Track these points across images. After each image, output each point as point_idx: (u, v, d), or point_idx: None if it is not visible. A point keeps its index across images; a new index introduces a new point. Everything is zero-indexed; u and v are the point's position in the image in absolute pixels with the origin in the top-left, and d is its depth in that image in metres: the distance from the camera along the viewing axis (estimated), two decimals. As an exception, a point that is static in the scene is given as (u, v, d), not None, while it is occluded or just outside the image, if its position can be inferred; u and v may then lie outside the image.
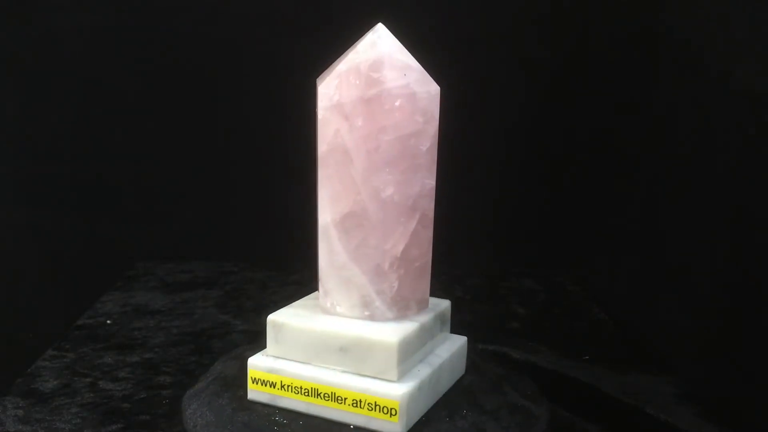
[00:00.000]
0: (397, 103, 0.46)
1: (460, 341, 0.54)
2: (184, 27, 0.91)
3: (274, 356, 0.49)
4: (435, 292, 0.59)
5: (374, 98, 0.46)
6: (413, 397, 0.45)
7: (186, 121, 0.94)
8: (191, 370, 0.60)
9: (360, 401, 0.45)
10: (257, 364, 0.49)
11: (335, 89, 0.47)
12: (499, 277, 0.92)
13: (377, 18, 0.49)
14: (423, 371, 0.47)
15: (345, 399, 0.46)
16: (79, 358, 0.62)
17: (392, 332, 0.46)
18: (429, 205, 0.50)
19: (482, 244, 0.97)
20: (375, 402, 0.45)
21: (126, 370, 0.60)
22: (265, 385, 0.49)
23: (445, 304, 0.54)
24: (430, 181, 0.49)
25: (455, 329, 0.59)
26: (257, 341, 0.63)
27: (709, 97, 0.64)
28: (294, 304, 0.52)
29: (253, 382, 0.49)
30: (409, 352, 0.47)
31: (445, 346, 0.52)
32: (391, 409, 0.44)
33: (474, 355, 0.57)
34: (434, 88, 0.48)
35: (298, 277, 0.88)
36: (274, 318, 0.49)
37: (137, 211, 0.95)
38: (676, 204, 0.69)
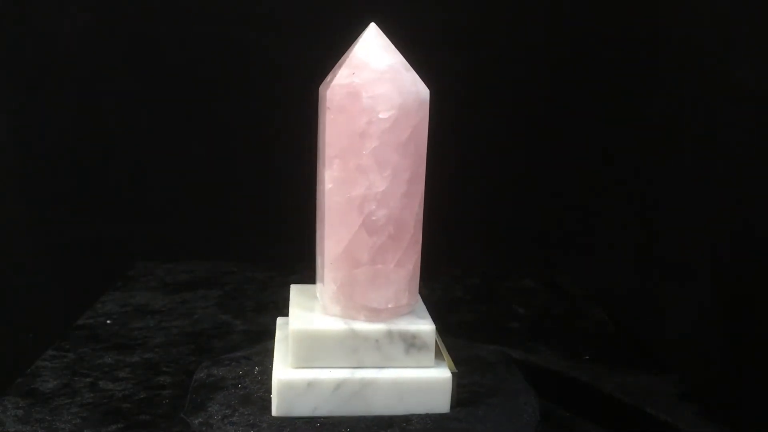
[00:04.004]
0: (334, 101, 0.48)
1: (434, 374, 0.50)
2: (185, 27, 0.91)
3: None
4: (435, 291, 0.59)
5: (323, 94, 0.49)
6: (295, 388, 0.48)
7: (186, 120, 0.94)
8: (191, 370, 0.60)
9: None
10: (278, 322, 0.58)
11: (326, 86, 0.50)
12: (499, 277, 0.92)
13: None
14: (330, 374, 0.48)
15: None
16: (79, 358, 0.62)
17: (300, 322, 0.49)
18: (378, 211, 0.48)
19: (482, 244, 0.97)
20: (271, 378, 0.50)
21: (126, 370, 0.60)
22: None
23: (418, 328, 0.50)
24: (380, 186, 0.48)
25: (455, 330, 0.59)
26: (261, 341, 0.63)
27: (709, 97, 0.64)
28: None
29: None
30: (316, 349, 0.49)
31: (402, 370, 0.50)
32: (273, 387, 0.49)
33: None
34: (383, 91, 0.47)
35: (298, 277, 0.88)
36: (292, 286, 0.57)
37: (137, 211, 0.95)
38: (677, 204, 0.70)
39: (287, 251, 0.89)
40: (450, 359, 0.52)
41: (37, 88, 0.90)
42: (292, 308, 0.52)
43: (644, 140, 0.77)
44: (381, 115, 0.47)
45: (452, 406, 0.50)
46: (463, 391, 0.53)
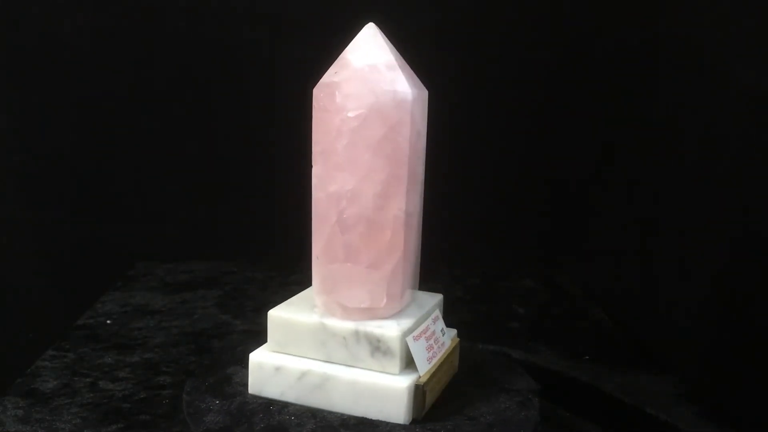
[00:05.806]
0: (319, 98, 0.49)
1: (391, 382, 0.47)
2: (185, 27, 0.91)
3: None
4: (435, 290, 0.59)
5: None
6: (265, 370, 0.50)
7: (186, 121, 0.94)
8: (191, 370, 0.60)
9: None
10: None
11: None
12: (499, 277, 0.92)
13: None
14: (297, 363, 0.50)
15: None
16: (79, 358, 0.62)
17: (280, 308, 0.51)
18: (348, 209, 0.48)
19: (482, 244, 0.97)
20: None
21: (126, 370, 0.60)
22: None
23: (383, 332, 0.48)
24: (350, 183, 0.48)
25: (454, 330, 0.59)
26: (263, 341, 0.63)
27: (709, 97, 0.64)
28: None
29: None
30: (288, 337, 0.50)
31: (365, 372, 0.48)
32: None
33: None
34: (353, 89, 0.47)
35: (298, 277, 0.88)
36: None
37: (137, 211, 0.95)
38: (677, 204, 0.69)
39: (287, 251, 0.89)
40: (429, 371, 0.49)
41: (37, 88, 0.90)
42: (293, 297, 0.54)
43: (644, 140, 0.77)
44: (349, 114, 0.47)
45: (417, 419, 0.48)
46: (457, 393, 0.52)
